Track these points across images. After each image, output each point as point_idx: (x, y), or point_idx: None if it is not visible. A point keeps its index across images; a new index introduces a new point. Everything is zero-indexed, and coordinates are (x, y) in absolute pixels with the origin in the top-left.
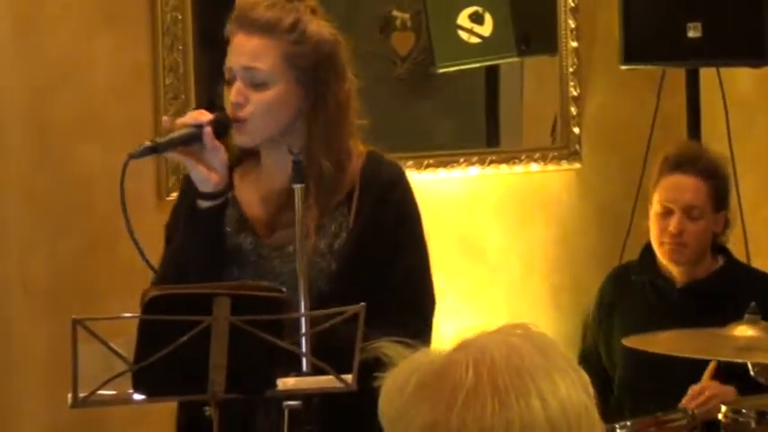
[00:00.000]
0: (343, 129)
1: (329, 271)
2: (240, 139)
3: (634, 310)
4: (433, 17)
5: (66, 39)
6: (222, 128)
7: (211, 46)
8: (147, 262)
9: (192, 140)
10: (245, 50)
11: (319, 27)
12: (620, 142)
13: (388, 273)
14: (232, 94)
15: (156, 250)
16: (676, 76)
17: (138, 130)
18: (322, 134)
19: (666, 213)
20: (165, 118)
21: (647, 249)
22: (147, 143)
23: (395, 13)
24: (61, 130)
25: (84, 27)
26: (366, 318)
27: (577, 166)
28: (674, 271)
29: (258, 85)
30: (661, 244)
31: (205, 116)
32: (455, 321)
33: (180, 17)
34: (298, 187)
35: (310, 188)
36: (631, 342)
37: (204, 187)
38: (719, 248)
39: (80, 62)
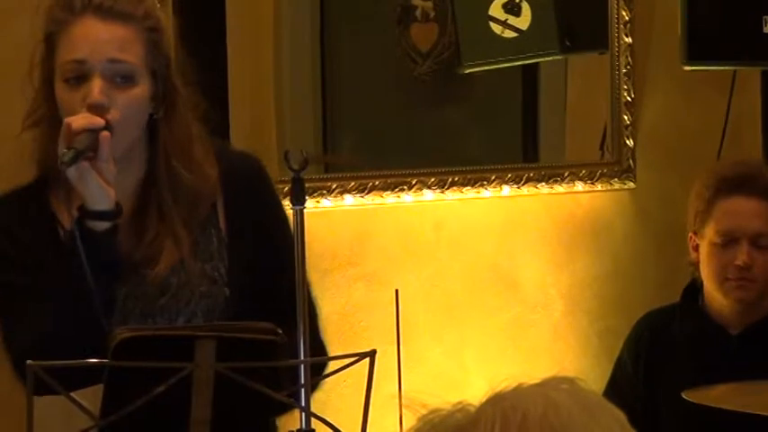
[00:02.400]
0: (195, 134)
1: (222, 299)
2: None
3: (682, 367)
4: (461, 6)
5: (22, 29)
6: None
7: (192, 41)
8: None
9: (91, 149)
10: (107, 39)
11: (163, 15)
12: (683, 157)
13: (276, 282)
14: (94, 93)
15: None
16: (750, 77)
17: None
18: (177, 140)
19: (728, 244)
20: (66, 121)
21: (690, 292)
22: (66, 150)
23: (415, 1)
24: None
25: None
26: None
27: (631, 185)
28: (725, 314)
29: (123, 82)
30: (725, 281)
31: (97, 120)
32: (484, 368)
33: (158, 5)
34: (298, 209)
35: (165, 208)
36: (692, 396)
37: (100, 204)
38: None
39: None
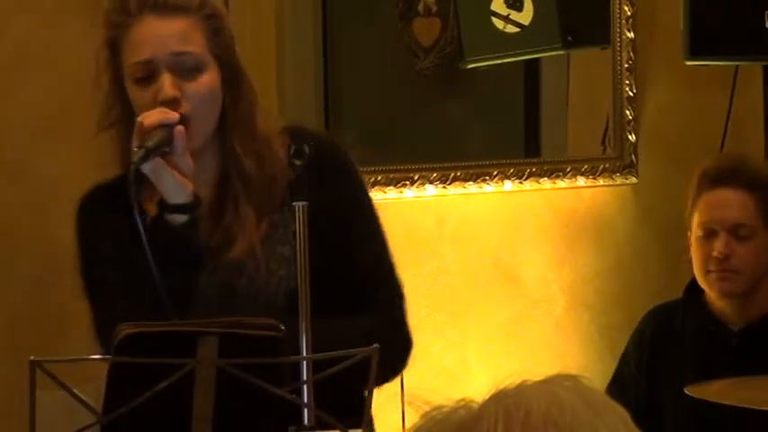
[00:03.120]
0: (260, 113)
1: (293, 282)
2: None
3: (684, 362)
4: (463, 1)
5: (24, 29)
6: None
7: None
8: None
9: (165, 144)
10: (167, 34)
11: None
12: (685, 152)
13: (356, 265)
14: (165, 88)
15: None
16: (752, 72)
17: (107, 137)
18: (244, 126)
19: (709, 236)
20: (139, 119)
21: (692, 288)
22: (136, 149)
23: None
24: (18, 132)
25: (49, 11)
26: (336, 311)
27: (633, 180)
28: (726, 310)
29: (190, 73)
30: (707, 273)
31: (172, 114)
32: (486, 363)
33: None
34: (299, 205)
35: (239, 195)
36: (693, 392)
37: (177, 198)
38: None
39: (39, 57)
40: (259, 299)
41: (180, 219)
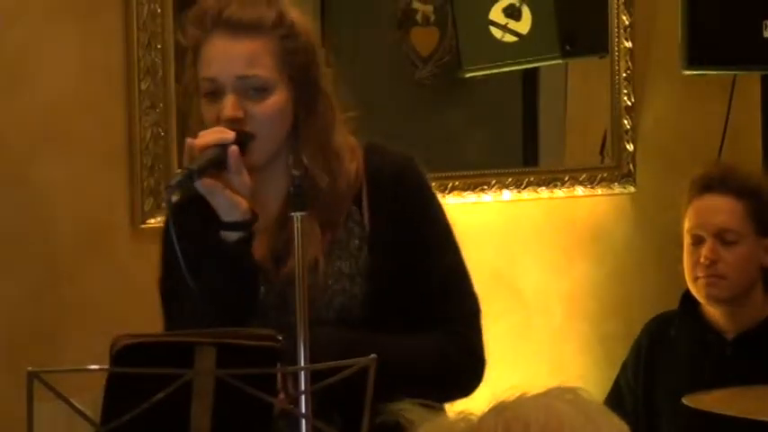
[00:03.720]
0: (336, 130)
1: (361, 295)
2: (248, 160)
3: (679, 371)
4: (461, 10)
5: (23, 34)
6: (242, 147)
7: None
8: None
9: (217, 163)
10: (234, 56)
11: (300, 16)
12: (683, 161)
13: (422, 281)
14: (227, 109)
15: (131, 286)
16: (749, 82)
17: (108, 143)
18: (317, 142)
19: (698, 242)
20: (189, 140)
21: (687, 298)
22: (181, 170)
23: (415, 4)
24: (17, 141)
25: (45, 20)
26: (409, 330)
27: (632, 189)
28: (719, 319)
29: (256, 94)
30: (695, 280)
31: (227, 133)
32: (486, 374)
33: (159, 10)
34: (298, 215)
35: (309, 210)
36: (689, 401)
37: (231, 216)
38: None
39: (40, 62)
40: (311, 311)
41: (233, 236)
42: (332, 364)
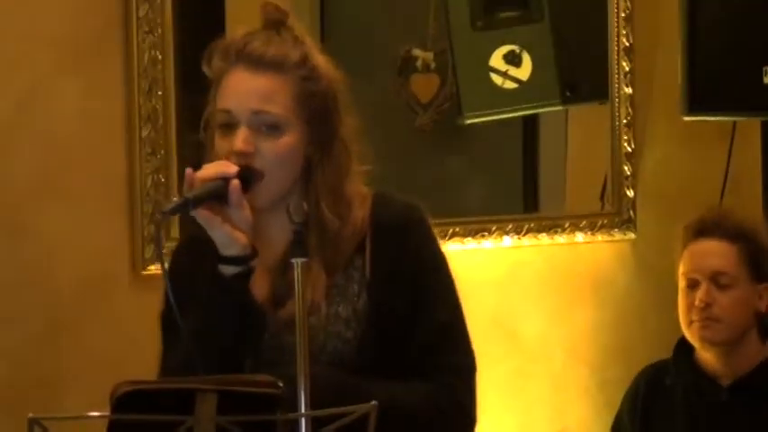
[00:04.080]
0: (350, 178)
1: (355, 340)
2: (254, 198)
3: (676, 420)
4: (461, 57)
5: (26, 81)
6: (246, 183)
7: (197, 91)
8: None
9: (217, 196)
10: (251, 90)
11: (325, 60)
12: (684, 207)
13: (418, 332)
14: (238, 142)
15: (132, 334)
16: (750, 128)
17: (108, 190)
18: (329, 186)
19: (692, 286)
20: (188, 170)
21: (682, 345)
22: (177, 198)
23: (416, 52)
24: (17, 192)
25: (48, 68)
26: (401, 379)
27: (632, 236)
28: (714, 364)
29: (269, 131)
30: (690, 324)
31: (230, 167)
32: (485, 420)
33: (160, 57)
34: (299, 261)
35: (313, 251)
36: None
37: (229, 250)
38: None
39: (41, 109)
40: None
41: (231, 270)
42: (333, 410)
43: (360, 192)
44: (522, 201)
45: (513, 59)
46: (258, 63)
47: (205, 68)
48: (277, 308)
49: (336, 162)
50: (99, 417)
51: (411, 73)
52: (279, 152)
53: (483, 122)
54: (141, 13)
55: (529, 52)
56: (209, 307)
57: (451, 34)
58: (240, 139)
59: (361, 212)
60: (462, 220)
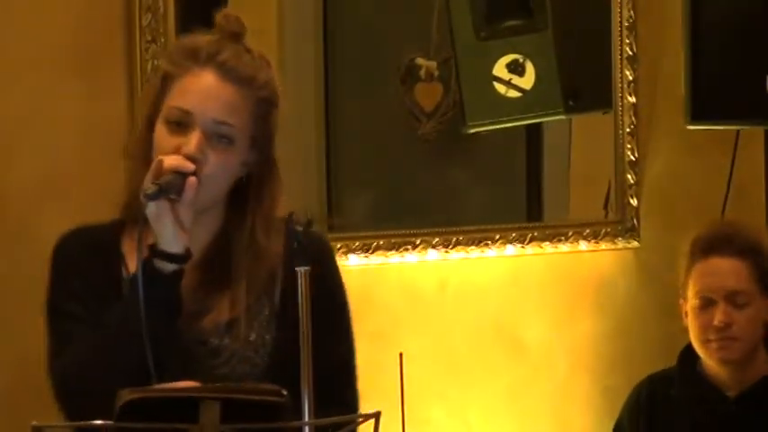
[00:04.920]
0: (279, 204)
1: (262, 366)
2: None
3: (680, 430)
4: (465, 66)
5: (28, 90)
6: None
7: None
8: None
9: (176, 190)
10: (218, 99)
11: (279, 89)
12: (687, 216)
13: (319, 365)
14: (192, 145)
15: None
16: (753, 137)
17: (112, 198)
18: (264, 211)
19: (707, 305)
20: (161, 157)
21: (686, 356)
22: (152, 185)
23: (419, 60)
24: (19, 198)
25: (49, 75)
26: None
27: (635, 244)
28: (722, 376)
29: (221, 142)
30: (706, 342)
31: (188, 164)
32: (488, 428)
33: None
34: (302, 270)
35: (237, 267)
36: None
37: (172, 246)
38: None
39: (43, 118)
40: (214, 374)
41: (169, 267)
42: (336, 419)
43: (280, 218)
44: (526, 209)
45: (516, 69)
46: (229, 73)
47: (163, 61)
48: (193, 319)
49: (271, 189)
50: (103, 425)
51: (415, 82)
52: (225, 164)
53: (486, 131)
54: (144, 22)
55: (532, 61)
56: (133, 301)
57: (455, 43)
58: (194, 144)
59: (279, 240)
60: (465, 228)
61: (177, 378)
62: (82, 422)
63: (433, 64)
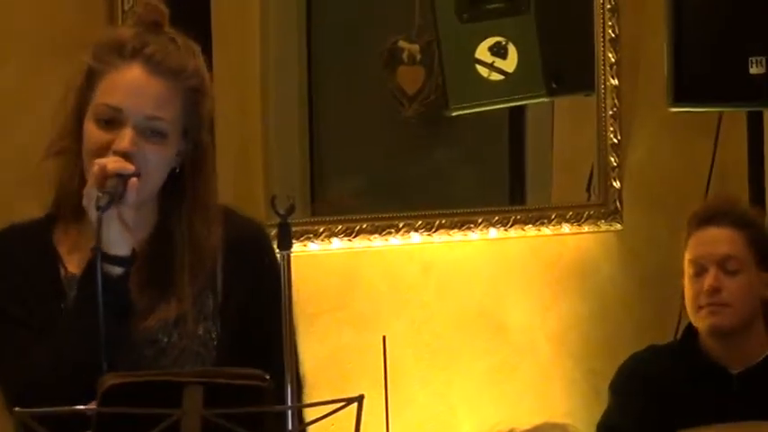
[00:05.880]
0: (215, 194)
1: (210, 362)
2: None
3: (681, 407)
4: (447, 49)
5: (15, 72)
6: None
7: None
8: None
9: (119, 194)
10: (148, 94)
11: (209, 78)
12: (670, 198)
13: (266, 361)
14: (124, 141)
15: None
16: (736, 119)
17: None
18: (200, 202)
19: (700, 273)
20: (101, 162)
21: (690, 331)
22: (101, 194)
23: (401, 43)
24: (5, 178)
25: (31, 59)
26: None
27: (618, 227)
28: (722, 353)
29: (154, 137)
30: (698, 309)
31: (128, 165)
32: (472, 411)
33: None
34: (285, 254)
35: (180, 261)
36: None
37: (118, 249)
38: None
39: (30, 99)
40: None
41: (116, 270)
42: (319, 402)
43: (218, 208)
44: (509, 192)
45: (498, 51)
46: (157, 66)
47: (87, 56)
48: (138, 318)
49: (206, 178)
50: (86, 410)
51: (397, 65)
52: (159, 157)
53: (469, 114)
54: (126, 7)
55: (515, 44)
56: (83, 306)
57: (438, 26)
58: (127, 140)
59: (218, 231)
60: (448, 211)
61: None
62: (65, 408)
63: (416, 47)
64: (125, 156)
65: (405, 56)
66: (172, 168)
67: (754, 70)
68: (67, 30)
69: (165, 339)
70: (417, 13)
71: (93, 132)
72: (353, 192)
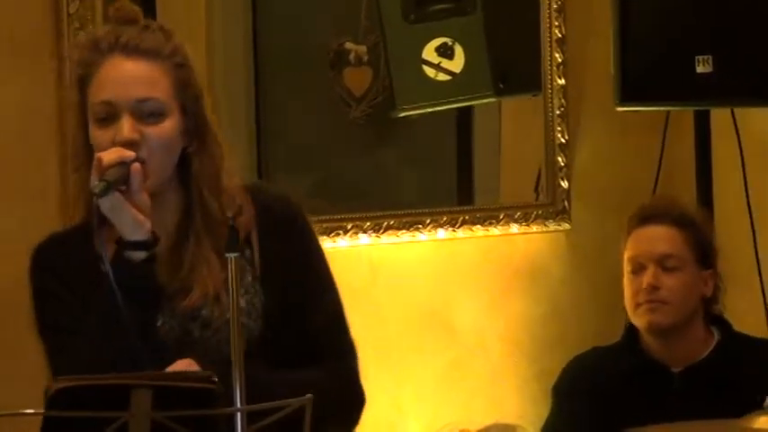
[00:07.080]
0: (225, 169)
1: (256, 331)
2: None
3: (623, 407)
4: (394, 50)
5: None
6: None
7: None
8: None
9: (123, 181)
10: (134, 77)
11: (191, 54)
12: (618, 198)
13: (308, 320)
14: (124, 130)
15: None
16: (683, 118)
17: (42, 192)
18: (207, 174)
19: (638, 271)
20: (99, 155)
21: (632, 331)
22: (97, 183)
23: (348, 45)
24: None
25: None
26: (293, 366)
27: (566, 226)
28: (663, 352)
29: (151, 118)
30: (636, 306)
31: (127, 152)
32: (422, 412)
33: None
34: (233, 257)
35: (202, 241)
36: None
37: (136, 235)
38: (714, 319)
39: None
40: (214, 347)
41: (139, 255)
42: (267, 405)
43: (235, 182)
44: (457, 193)
45: (445, 52)
46: (135, 50)
47: (72, 67)
48: (181, 297)
49: (211, 152)
50: (33, 414)
51: (344, 66)
52: (163, 137)
53: (417, 115)
54: (72, 10)
55: (461, 44)
56: (111, 297)
57: (384, 27)
58: (126, 128)
59: (248, 206)
60: (397, 212)
61: (171, 360)
62: (11, 412)
63: (363, 48)
64: (129, 145)
65: (351, 57)
66: (183, 148)
67: (700, 69)
68: (17, 36)
69: (207, 313)
70: (363, 14)
71: (96, 134)
72: (301, 193)
